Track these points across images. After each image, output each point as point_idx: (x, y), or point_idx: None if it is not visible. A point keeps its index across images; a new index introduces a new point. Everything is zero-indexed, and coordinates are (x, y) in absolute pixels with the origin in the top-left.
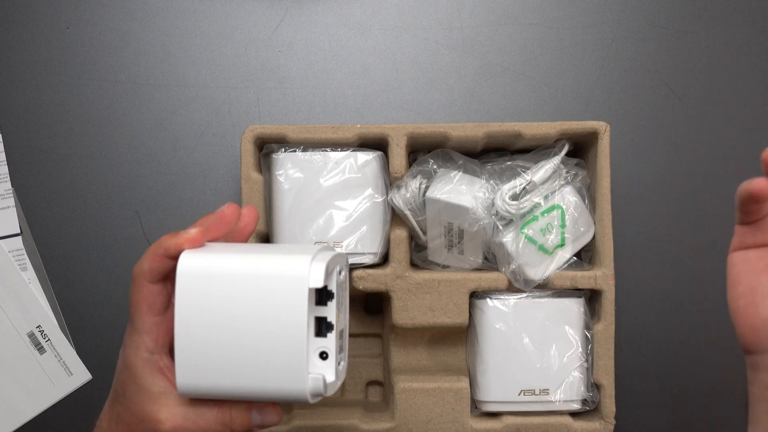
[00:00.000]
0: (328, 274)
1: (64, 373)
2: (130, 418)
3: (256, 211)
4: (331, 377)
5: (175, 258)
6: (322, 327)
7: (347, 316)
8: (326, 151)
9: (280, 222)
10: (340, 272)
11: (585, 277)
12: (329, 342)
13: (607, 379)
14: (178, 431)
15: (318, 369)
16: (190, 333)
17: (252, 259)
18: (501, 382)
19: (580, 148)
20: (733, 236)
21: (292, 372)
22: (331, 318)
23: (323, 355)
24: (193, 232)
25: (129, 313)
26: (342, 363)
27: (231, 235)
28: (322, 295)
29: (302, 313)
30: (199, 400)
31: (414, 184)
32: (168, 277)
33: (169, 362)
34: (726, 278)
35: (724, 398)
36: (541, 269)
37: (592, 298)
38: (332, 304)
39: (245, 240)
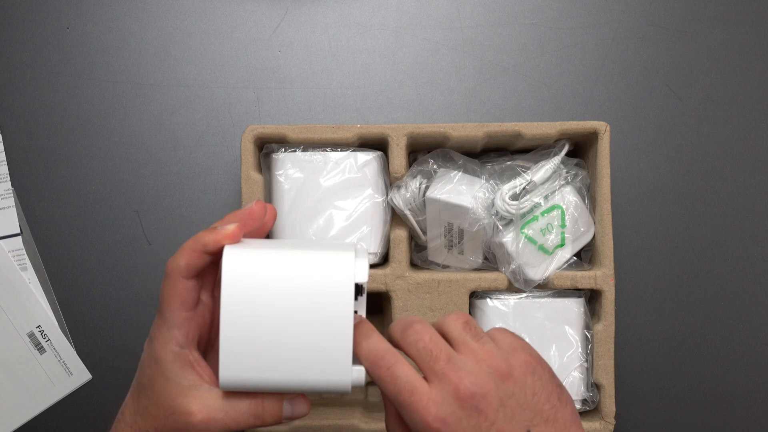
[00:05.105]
0: None
1: (64, 373)
2: (159, 410)
3: (275, 210)
4: (364, 368)
5: (213, 254)
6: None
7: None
8: (326, 151)
9: (280, 222)
10: None
11: (585, 277)
12: None
13: (607, 379)
14: (210, 423)
15: None
16: (235, 327)
17: (296, 255)
18: None
19: (580, 148)
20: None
21: (337, 365)
22: (362, 312)
23: None
24: (231, 227)
25: (159, 307)
26: None
27: (251, 232)
28: (354, 290)
29: (348, 306)
30: (231, 392)
31: (414, 184)
32: (200, 273)
33: (197, 356)
34: (728, 278)
35: (724, 398)
36: (541, 269)
37: (592, 298)
38: (362, 299)
39: (263, 237)
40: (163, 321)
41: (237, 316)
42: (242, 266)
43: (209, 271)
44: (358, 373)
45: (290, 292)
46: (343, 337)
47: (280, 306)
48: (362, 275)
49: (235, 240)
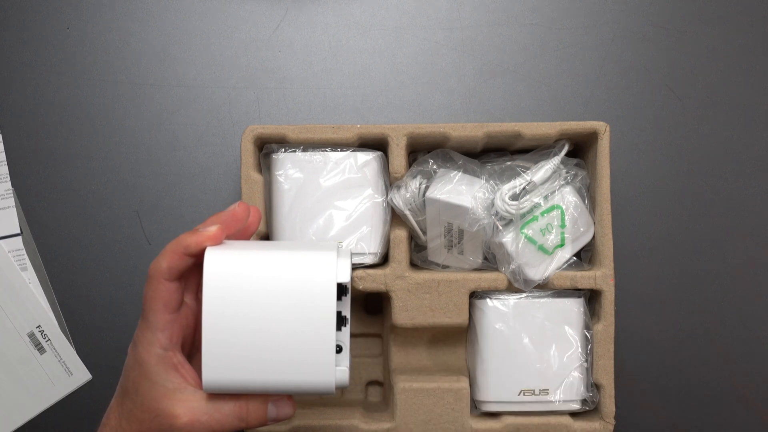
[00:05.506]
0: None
1: (64, 373)
2: (143, 414)
3: (260, 211)
4: (348, 369)
5: (194, 256)
6: (337, 321)
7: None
8: (326, 151)
9: (280, 222)
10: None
11: (585, 277)
12: (344, 336)
13: (607, 379)
14: (195, 425)
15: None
16: (217, 329)
17: (277, 256)
18: (501, 382)
19: (580, 148)
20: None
21: (320, 365)
22: (346, 312)
23: (338, 349)
24: (213, 229)
25: (142, 310)
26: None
27: (235, 234)
28: (338, 291)
29: (331, 307)
30: (215, 394)
31: (414, 184)
32: (183, 275)
33: (182, 359)
34: (728, 278)
35: (723, 398)
36: (540, 269)
37: (591, 298)
38: (347, 299)
39: (248, 239)
40: (147, 324)
41: (219, 317)
42: (224, 267)
43: (192, 274)
44: (342, 374)
45: (272, 293)
46: (326, 338)
47: (262, 307)
48: (344, 275)
49: (216, 242)
